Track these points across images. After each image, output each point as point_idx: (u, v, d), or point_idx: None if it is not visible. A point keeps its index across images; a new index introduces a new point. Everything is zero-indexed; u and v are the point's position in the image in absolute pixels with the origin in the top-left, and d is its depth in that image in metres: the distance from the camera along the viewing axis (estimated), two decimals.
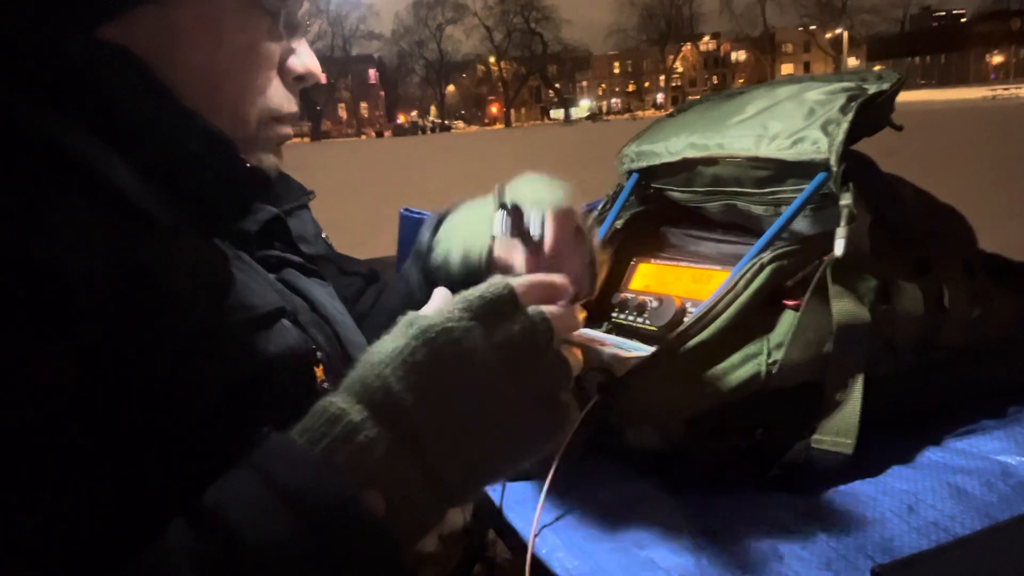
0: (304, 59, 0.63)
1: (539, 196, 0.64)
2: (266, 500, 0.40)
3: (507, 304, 0.49)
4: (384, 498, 0.43)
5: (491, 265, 0.67)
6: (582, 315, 0.57)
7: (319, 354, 0.60)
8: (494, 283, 0.49)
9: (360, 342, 0.67)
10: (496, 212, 0.64)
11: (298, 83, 0.64)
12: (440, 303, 0.51)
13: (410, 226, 1.15)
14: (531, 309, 0.49)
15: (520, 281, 0.51)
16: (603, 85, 79.21)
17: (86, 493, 0.42)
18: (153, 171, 0.52)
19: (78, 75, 0.51)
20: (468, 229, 0.70)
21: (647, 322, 0.83)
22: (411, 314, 0.49)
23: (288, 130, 0.65)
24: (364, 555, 0.41)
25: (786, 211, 0.78)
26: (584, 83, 79.09)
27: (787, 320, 0.69)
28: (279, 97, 0.62)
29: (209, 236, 0.57)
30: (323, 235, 0.81)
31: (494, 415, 0.46)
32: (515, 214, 0.62)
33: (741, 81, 73.85)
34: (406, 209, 1.18)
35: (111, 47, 0.52)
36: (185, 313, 0.48)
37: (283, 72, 0.62)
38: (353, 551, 0.40)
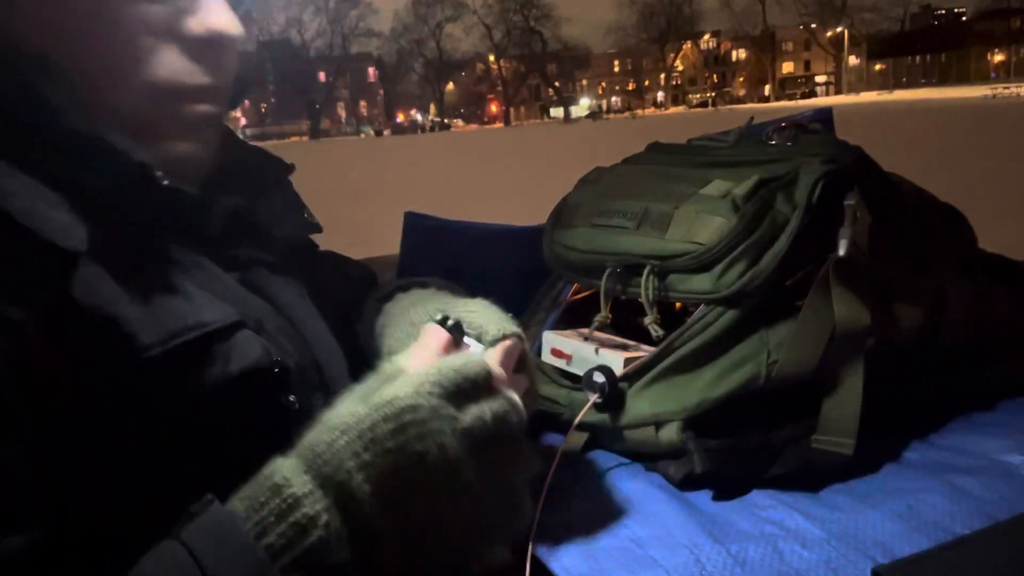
0: (205, 17, 0.51)
1: (484, 323, 0.58)
2: None
3: (482, 386, 0.46)
4: None
5: None
6: None
7: (289, 362, 0.55)
8: (471, 360, 0.47)
9: (331, 346, 0.62)
10: (428, 324, 0.55)
11: (205, 48, 0.52)
12: (418, 359, 0.49)
13: (417, 233, 1.10)
14: (504, 395, 0.47)
15: (493, 368, 0.48)
16: (603, 83, 79.13)
17: (35, 531, 0.40)
18: (58, 191, 0.45)
19: None
20: (397, 334, 0.65)
21: None
22: (387, 367, 0.47)
23: (204, 107, 0.54)
24: None
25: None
26: (584, 81, 79.03)
27: (788, 320, 0.69)
28: (175, 68, 0.51)
29: (142, 256, 0.50)
30: (306, 214, 0.70)
31: (450, 507, 0.44)
32: (454, 331, 0.55)
33: (741, 79, 73.87)
34: (412, 214, 1.12)
35: None
36: (113, 346, 0.44)
37: (181, 37, 0.51)
38: None
